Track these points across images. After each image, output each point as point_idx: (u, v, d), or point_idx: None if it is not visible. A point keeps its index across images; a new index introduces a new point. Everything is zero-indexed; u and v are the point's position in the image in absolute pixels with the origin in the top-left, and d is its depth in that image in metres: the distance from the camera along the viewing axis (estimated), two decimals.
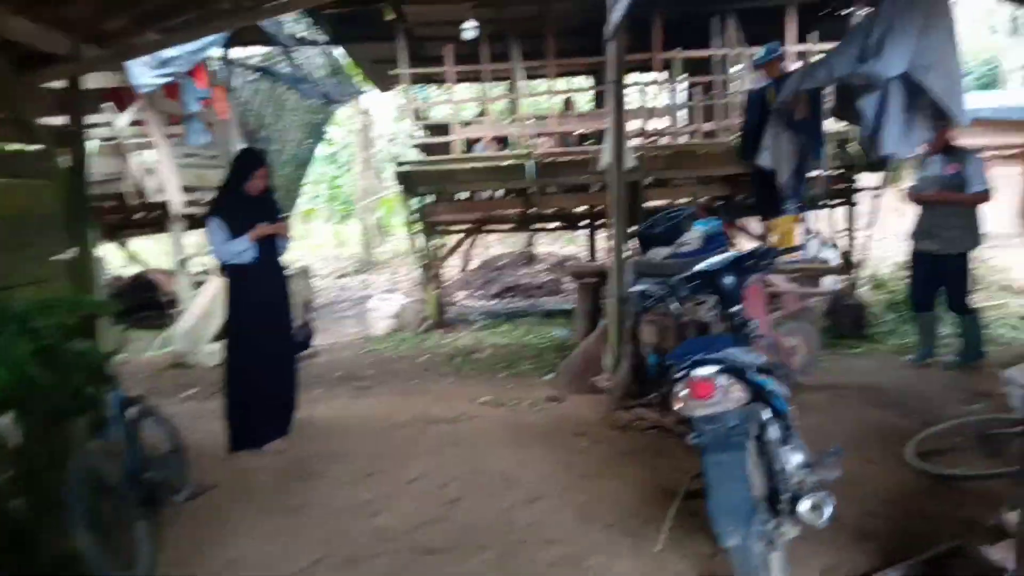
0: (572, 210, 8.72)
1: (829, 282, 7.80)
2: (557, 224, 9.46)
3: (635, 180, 7.75)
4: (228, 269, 4.34)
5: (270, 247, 4.38)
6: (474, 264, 12.51)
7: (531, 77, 8.69)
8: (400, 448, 4.36)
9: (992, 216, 6.21)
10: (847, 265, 7.81)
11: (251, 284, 4.32)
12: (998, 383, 4.58)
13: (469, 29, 7.17)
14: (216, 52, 8.16)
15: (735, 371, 2.42)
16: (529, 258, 12.31)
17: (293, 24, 8.48)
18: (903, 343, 6.42)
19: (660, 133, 8.26)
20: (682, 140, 8.30)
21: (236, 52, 9.04)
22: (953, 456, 4.02)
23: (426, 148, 8.36)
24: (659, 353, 4.84)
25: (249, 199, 4.31)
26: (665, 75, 8.19)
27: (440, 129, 8.24)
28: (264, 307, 4.37)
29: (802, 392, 5.20)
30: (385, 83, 9.22)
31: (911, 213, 5.72)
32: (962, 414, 4.53)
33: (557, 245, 14.64)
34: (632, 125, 8.43)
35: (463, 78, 8.39)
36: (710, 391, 2.37)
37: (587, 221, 9.32)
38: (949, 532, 3.16)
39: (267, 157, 4.74)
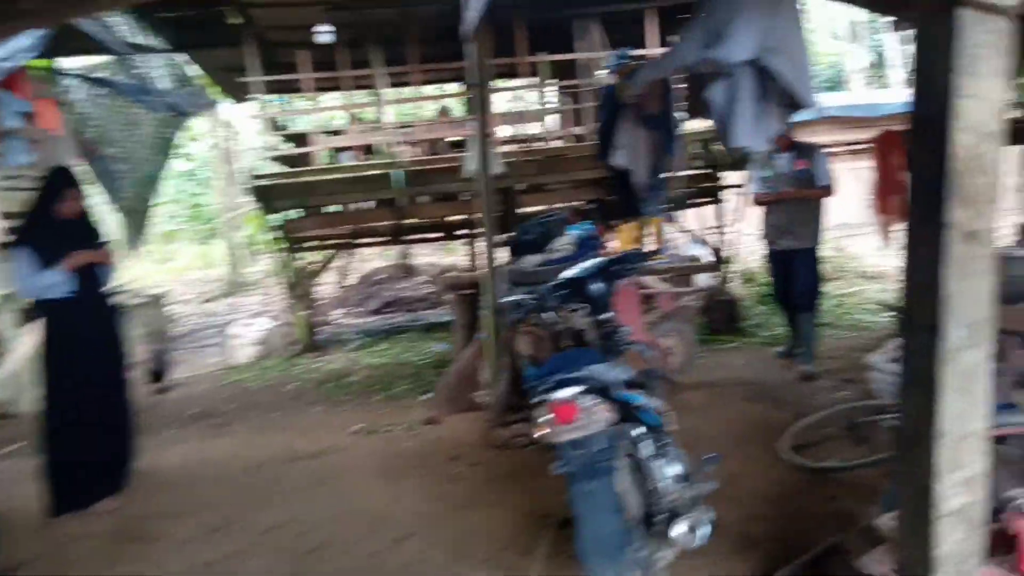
0: (447, 219, 8.44)
1: (702, 279, 7.96)
2: (435, 234, 9.14)
3: (508, 186, 7.60)
4: (41, 305, 3.77)
5: (91, 277, 3.84)
6: (352, 280, 11.99)
7: (396, 84, 8.36)
8: (256, 493, 3.92)
9: (844, 207, 6.49)
10: (718, 261, 7.98)
11: (69, 321, 3.77)
12: (863, 369, 4.72)
13: (324, 33, 6.76)
14: (42, 61, 7.30)
15: (599, 390, 2.22)
16: (408, 270, 11.92)
17: (131, 30, 7.73)
18: (774, 335, 6.57)
19: (531, 138, 8.14)
20: (555, 144, 8.23)
21: (72, 62, 8.14)
22: (826, 447, 4.08)
23: (288, 160, 7.85)
24: (537, 365, 4.65)
25: (62, 224, 3.77)
26: (533, 80, 8.09)
27: (300, 139, 7.76)
28: (86, 346, 3.82)
29: (681, 392, 5.19)
30: (239, 93, 8.59)
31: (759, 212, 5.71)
32: (831, 403, 4.62)
33: (439, 255, 14.34)
34: (504, 130, 8.29)
35: (323, 86, 7.94)
36: (573, 414, 2.16)
37: (465, 230, 9.07)
38: (828, 528, 3.15)
39: (77, 175, 4.14)
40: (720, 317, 7.02)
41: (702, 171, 7.89)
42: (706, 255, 8.11)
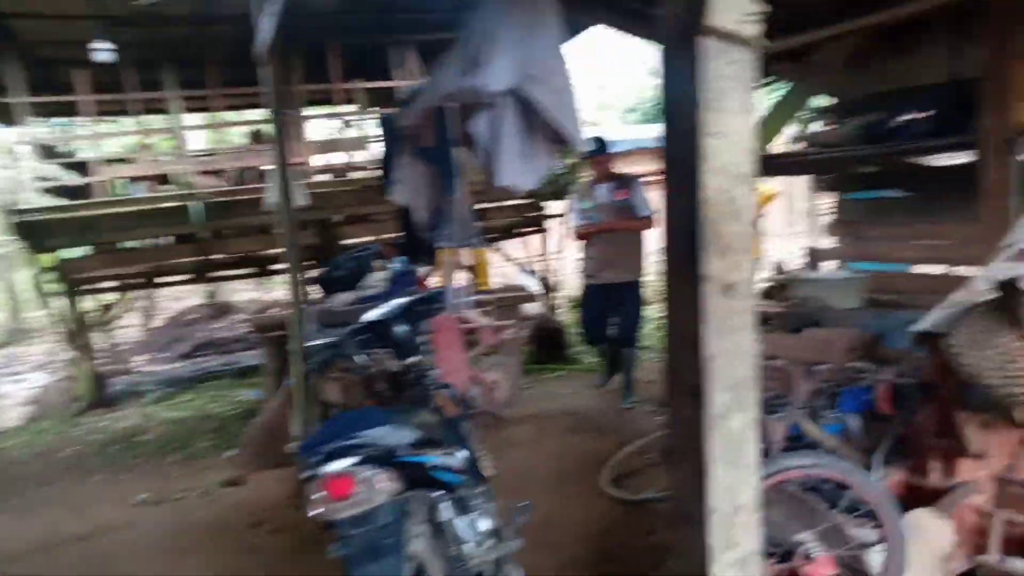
0: (260, 253, 7.82)
1: (530, 308, 7.96)
2: (246, 270, 8.43)
3: (325, 217, 7.19)
4: None
5: None
6: (159, 321, 10.87)
7: (193, 109, 7.66)
8: None
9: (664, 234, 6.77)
10: (545, 290, 8.03)
11: None
12: None
13: (102, 51, 6.01)
14: None
15: (381, 456, 1.96)
16: (224, 309, 11.02)
17: None
18: (598, 362, 6.66)
19: (349, 167, 7.78)
20: (376, 173, 7.92)
21: None
22: (646, 476, 4.08)
23: (69, 192, 6.91)
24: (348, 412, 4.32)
25: None
26: (349, 107, 7.76)
27: (82, 168, 6.88)
28: None
29: (507, 427, 5.07)
30: (3, 115, 7.50)
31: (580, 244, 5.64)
32: (651, 430, 4.67)
33: (262, 291, 13.42)
34: (321, 159, 7.90)
35: (107, 110, 7.11)
36: (349, 488, 1.88)
37: (282, 264, 8.48)
38: (644, 564, 3.11)
39: None
40: (547, 346, 7.03)
41: (525, 201, 7.91)
42: (533, 284, 8.13)
